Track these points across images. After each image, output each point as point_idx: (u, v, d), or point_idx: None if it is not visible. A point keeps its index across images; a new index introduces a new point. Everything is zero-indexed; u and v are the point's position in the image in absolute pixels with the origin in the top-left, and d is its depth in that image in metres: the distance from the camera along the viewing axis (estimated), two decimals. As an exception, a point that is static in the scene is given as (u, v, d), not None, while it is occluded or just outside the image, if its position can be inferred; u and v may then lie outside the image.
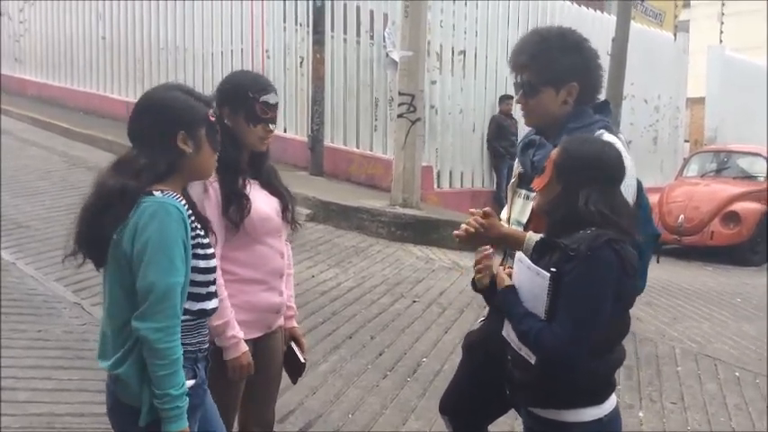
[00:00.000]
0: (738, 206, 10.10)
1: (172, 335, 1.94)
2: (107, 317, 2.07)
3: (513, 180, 2.60)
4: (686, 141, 16.71)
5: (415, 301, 5.87)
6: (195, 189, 2.25)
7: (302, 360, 2.70)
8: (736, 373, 5.15)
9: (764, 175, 10.90)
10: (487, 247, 2.29)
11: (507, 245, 2.41)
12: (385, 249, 7.39)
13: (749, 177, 11.15)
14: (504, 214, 2.61)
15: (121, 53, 13.19)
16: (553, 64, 2.39)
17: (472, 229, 2.30)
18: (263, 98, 2.44)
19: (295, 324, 2.73)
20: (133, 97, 12.91)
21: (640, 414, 4.31)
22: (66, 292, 5.17)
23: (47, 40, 14.54)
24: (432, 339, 5.09)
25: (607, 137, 2.30)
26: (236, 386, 2.44)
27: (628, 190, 2.24)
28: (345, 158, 10.13)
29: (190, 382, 2.04)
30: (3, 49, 15.12)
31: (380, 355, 4.72)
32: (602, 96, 2.56)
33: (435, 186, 10.07)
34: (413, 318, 5.49)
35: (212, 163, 2.13)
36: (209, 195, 2.36)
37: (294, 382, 2.80)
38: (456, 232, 2.36)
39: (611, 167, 2.11)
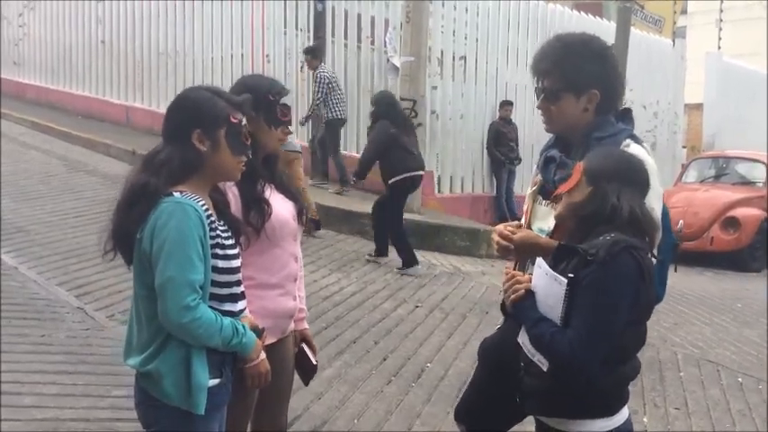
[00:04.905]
0: (738, 212, 10.12)
1: (195, 309, 1.99)
2: (134, 315, 2.12)
3: (533, 188, 2.59)
4: (683, 147, 16.75)
5: (417, 307, 5.87)
6: None
7: (314, 362, 2.70)
8: (739, 379, 5.15)
9: (764, 181, 10.93)
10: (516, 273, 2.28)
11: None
12: (387, 254, 7.38)
13: (748, 183, 11.17)
14: (522, 221, 2.60)
15: (121, 57, 13.17)
16: (575, 71, 2.39)
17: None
18: (283, 100, 2.47)
19: (306, 326, 2.71)
20: (132, 101, 12.95)
21: (645, 420, 4.31)
22: (68, 296, 5.15)
23: (46, 44, 14.53)
24: (435, 345, 5.09)
25: (634, 147, 2.31)
26: (252, 395, 2.43)
27: (657, 196, 2.26)
28: (346, 163, 10.12)
29: (215, 381, 2.09)
30: (2, 52, 15.10)
31: (384, 360, 4.71)
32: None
33: (436, 192, 10.07)
34: (416, 323, 5.48)
35: (233, 165, 2.14)
36: (228, 200, 2.35)
37: (306, 383, 2.79)
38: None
39: (639, 176, 2.13)
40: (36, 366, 4.04)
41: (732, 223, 10.05)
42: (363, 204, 8.43)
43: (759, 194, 10.70)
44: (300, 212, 2.54)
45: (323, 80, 9.37)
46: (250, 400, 2.45)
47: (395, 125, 6.87)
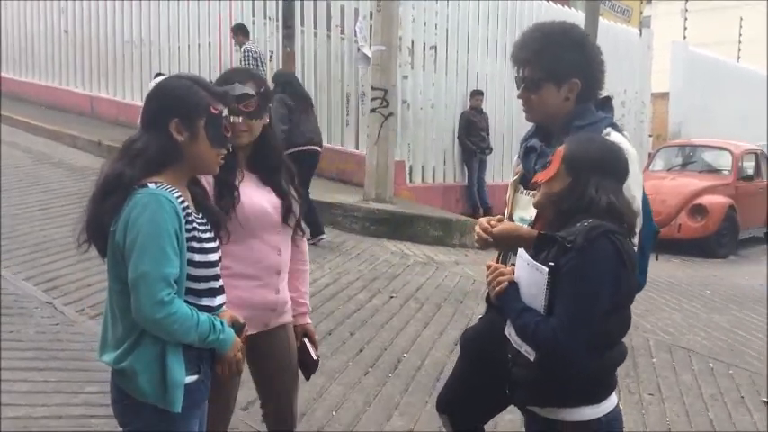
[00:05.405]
0: (705, 199, 10.28)
1: (170, 304, 1.94)
2: (108, 311, 2.06)
3: (514, 178, 2.58)
4: (649, 136, 16.96)
5: (392, 297, 5.86)
6: None
7: (314, 357, 2.68)
8: (710, 364, 5.23)
9: (729, 168, 11.11)
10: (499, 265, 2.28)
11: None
12: (359, 245, 7.37)
13: (715, 171, 11.35)
14: (505, 212, 2.59)
15: (84, 47, 12.94)
16: (555, 60, 2.37)
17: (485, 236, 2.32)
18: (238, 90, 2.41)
19: (308, 321, 2.70)
20: (97, 91, 12.71)
21: (620, 406, 4.34)
22: (36, 291, 5.04)
23: (7, 34, 14.20)
24: (411, 335, 5.08)
25: (614, 135, 2.31)
26: (230, 390, 2.41)
27: (637, 184, 2.26)
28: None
29: (192, 378, 2.05)
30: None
31: (361, 351, 4.69)
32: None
33: (408, 181, 10.06)
34: (391, 313, 5.47)
35: (211, 157, 2.09)
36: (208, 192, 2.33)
37: (307, 378, 2.78)
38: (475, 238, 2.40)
39: (619, 165, 2.13)
40: (5, 363, 3.93)
41: (699, 211, 10.19)
42: (334, 195, 8.40)
43: (725, 182, 10.88)
44: (288, 211, 2.50)
45: (249, 54, 9.54)
46: (226, 395, 2.42)
47: (292, 101, 6.98)
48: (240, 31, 9.94)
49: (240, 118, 2.39)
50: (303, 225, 2.64)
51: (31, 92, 13.58)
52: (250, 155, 2.48)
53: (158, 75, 9.84)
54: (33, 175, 8.39)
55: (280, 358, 2.58)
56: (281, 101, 6.95)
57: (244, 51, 9.70)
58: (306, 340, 2.67)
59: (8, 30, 14.16)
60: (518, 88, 2.48)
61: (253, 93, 2.42)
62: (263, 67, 9.66)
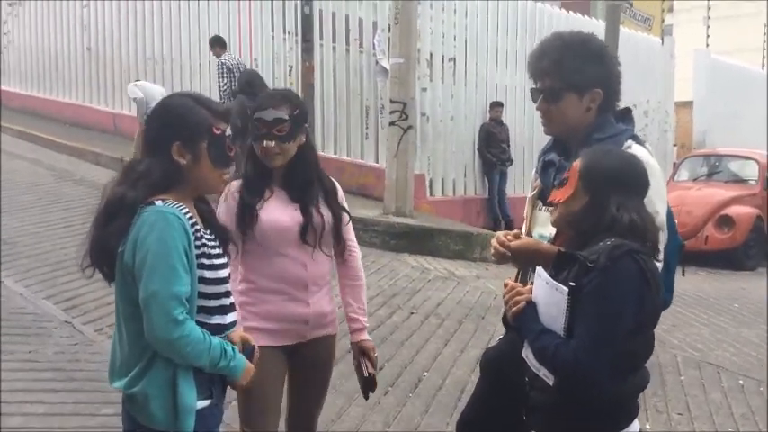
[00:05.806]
0: (732, 210, 10.09)
1: (183, 324, 1.90)
2: (117, 334, 2.03)
3: (532, 193, 2.51)
4: (674, 146, 16.73)
5: (412, 313, 5.78)
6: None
7: (366, 373, 2.65)
8: (740, 381, 5.09)
9: (756, 178, 10.91)
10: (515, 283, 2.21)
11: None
12: (379, 259, 7.30)
13: (741, 181, 11.15)
14: (523, 228, 2.52)
15: (107, 64, 13.05)
16: (577, 70, 2.31)
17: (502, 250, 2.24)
18: (258, 115, 2.49)
19: (362, 337, 2.69)
20: (120, 109, 12.80)
21: (647, 426, 4.23)
22: (56, 310, 5.03)
23: (31, 51, 14.38)
24: (431, 352, 5.00)
25: (636, 148, 2.24)
26: (247, 394, 2.41)
27: (661, 199, 2.18)
28: (336, 167, 10.00)
29: (204, 402, 2.01)
30: (-14, 61, 14.95)
31: (380, 369, 4.60)
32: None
33: (428, 195, 9.98)
34: (411, 330, 5.39)
35: (215, 178, 2.06)
36: (228, 205, 2.42)
37: (366, 397, 2.77)
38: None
39: (638, 179, 2.04)
40: (22, 384, 3.92)
41: (726, 222, 10.01)
42: (353, 209, 8.32)
43: (752, 192, 10.68)
44: (306, 226, 2.51)
45: (223, 66, 9.73)
46: (244, 403, 2.49)
47: (252, 101, 7.03)
48: (217, 44, 10.12)
49: (273, 142, 2.46)
50: (350, 240, 2.68)
51: (54, 109, 13.72)
52: (284, 172, 2.54)
53: (137, 81, 9.90)
54: (55, 192, 8.44)
55: (314, 368, 2.62)
56: (240, 103, 6.98)
57: (218, 64, 9.90)
58: (362, 358, 2.66)
59: (31, 47, 14.34)
60: (534, 100, 2.42)
61: (286, 117, 2.48)
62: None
